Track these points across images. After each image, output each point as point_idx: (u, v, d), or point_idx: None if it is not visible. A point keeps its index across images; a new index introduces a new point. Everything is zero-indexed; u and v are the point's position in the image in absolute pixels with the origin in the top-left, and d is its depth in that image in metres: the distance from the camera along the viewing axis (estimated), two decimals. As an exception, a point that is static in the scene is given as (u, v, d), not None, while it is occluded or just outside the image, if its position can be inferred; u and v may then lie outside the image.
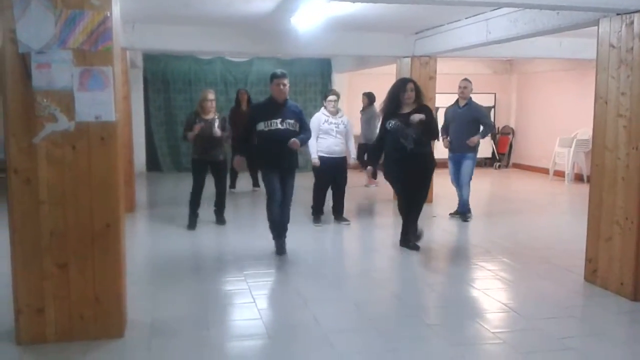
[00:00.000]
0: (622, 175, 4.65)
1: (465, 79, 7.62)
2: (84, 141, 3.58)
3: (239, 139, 6.37)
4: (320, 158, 7.20)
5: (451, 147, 7.60)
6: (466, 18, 7.02)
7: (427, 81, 8.49)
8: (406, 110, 5.82)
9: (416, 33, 8.36)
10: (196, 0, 6.30)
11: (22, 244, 3.58)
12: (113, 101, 3.61)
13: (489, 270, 5.59)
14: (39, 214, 3.57)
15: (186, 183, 7.27)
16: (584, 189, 6.88)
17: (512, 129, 13.70)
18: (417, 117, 5.69)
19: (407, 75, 8.19)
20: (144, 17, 7.27)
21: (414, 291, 5.17)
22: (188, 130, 6.98)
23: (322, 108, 7.49)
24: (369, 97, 10.84)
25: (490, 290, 4.96)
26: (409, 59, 8.64)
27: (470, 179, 7.63)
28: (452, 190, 7.93)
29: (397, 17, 7.04)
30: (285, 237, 5.98)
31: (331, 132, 7.26)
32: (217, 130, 6.91)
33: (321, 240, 6.96)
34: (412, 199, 5.96)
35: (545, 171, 12.16)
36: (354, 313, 4.46)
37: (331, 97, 7.42)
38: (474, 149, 7.57)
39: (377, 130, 6.44)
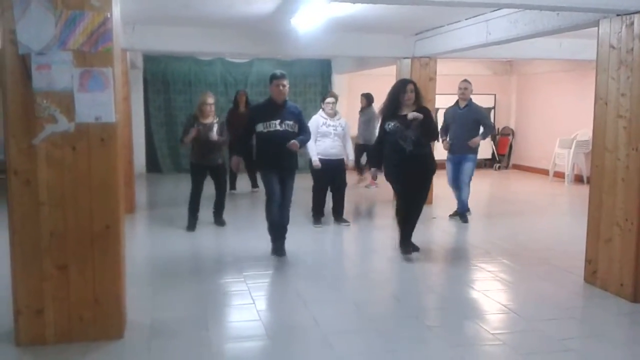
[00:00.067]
0: (622, 177, 4.65)
1: (465, 80, 7.62)
2: (84, 142, 3.58)
3: (238, 140, 6.37)
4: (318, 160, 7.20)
5: (451, 149, 7.59)
6: (466, 19, 7.03)
7: (427, 82, 8.50)
8: (405, 111, 5.80)
9: (416, 34, 8.36)
10: (196, 2, 6.30)
11: (21, 245, 3.58)
12: (113, 102, 3.61)
13: (489, 271, 5.59)
14: (39, 215, 3.57)
15: (186, 184, 7.28)
16: (584, 190, 6.87)
17: (512, 130, 13.70)
18: (412, 114, 5.68)
19: (407, 76, 8.19)
20: (144, 18, 7.27)
21: (413, 292, 5.17)
22: (186, 134, 6.99)
23: (320, 110, 7.48)
24: (368, 98, 10.84)
25: (490, 292, 4.96)
26: (409, 60, 8.65)
27: (470, 179, 7.62)
28: (452, 191, 7.92)
29: (397, 18, 7.04)
30: (284, 238, 5.97)
31: (329, 134, 7.26)
32: (213, 135, 6.89)
33: (321, 241, 6.96)
34: (411, 201, 5.94)
35: (545, 172, 12.16)
36: (353, 314, 4.46)
37: (329, 99, 7.42)
38: (475, 150, 7.58)
39: (376, 132, 6.42)
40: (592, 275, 5.03)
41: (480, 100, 8.88)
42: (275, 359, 3.70)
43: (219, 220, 7.36)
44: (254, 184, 9.93)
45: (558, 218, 8.55)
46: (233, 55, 11.83)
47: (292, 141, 5.72)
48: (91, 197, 3.63)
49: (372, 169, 6.39)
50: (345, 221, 7.51)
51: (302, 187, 7.23)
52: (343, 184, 7.56)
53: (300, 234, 6.76)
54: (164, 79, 12.30)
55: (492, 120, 13.21)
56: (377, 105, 8.52)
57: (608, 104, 4.76)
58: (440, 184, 7.91)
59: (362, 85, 11.62)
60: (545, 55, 8.94)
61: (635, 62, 4.47)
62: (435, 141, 7.64)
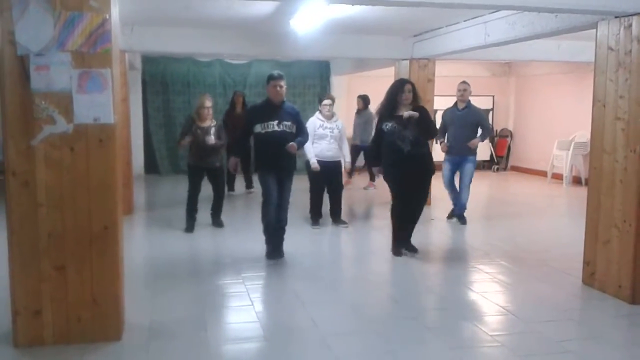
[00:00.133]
0: (620, 178, 4.65)
1: (464, 82, 7.61)
2: (82, 143, 3.58)
3: (236, 141, 6.36)
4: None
5: (450, 150, 7.57)
6: (465, 21, 7.03)
7: (425, 84, 8.50)
8: (403, 111, 5.81)
9: (415, 36, 8.37)
10: (196, 3, 6.30)
11: (19, 246, 3.58)
12: (111, 103, 3.61)
13: (487, 273, 5.59)
14: (37, 216, 3.56)
15: (184, 186, 7.27)
16: (582, 191, 6.89)
17: (510, 131, 13.71)
18: (408, 113, 5.68)
19: (405, 77, 8.19)
20: (143, 19, 7.27)
21: (412, 294, 5.17)
22: (183, 137, 7.01)
23: (317, 112, 7.47)
24: (364, 100, 10.85)
25: (488, 293, 4.96)
26: (407, 62, 8.65)
27: (471, 181, 7.63)
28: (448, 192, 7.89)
29: (396, 20, 7.05)
30: (283, 239, 5.97)
31: (326, 136, 7.26)
32: (211, 138, 6.88)
33: (319, 242, 6.95)
34: (408, 201, 5.94)
35: (543, 174, 12.18)
36: (351, 315, 4.46)
37: (326, 101, 7.41)
38: (475, 151, 7.58)
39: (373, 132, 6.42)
40: (590, 277, 5.03)
41: (479, 102, 8.88)
42: (274, 360, 3.70)
43: (217, 221, 7.36)
44: (249, 185, 9.92)
45: (556, 220, 8.56)
46: (232, 56, 11.83)
47: (291, 143, 5.70)
48: (89, 198, 3.62)
49: (375, 168, 6.38)
50: (344, 223, 7.51)
51: (300, 188, 7.23)
52: (340, 185, 7.56)
53: (299, 235, 6.76)
54: (163, 80, 12.29)
55: (490, 121, 13.26)
56: (373, 107, 8.54)
57: (606, 106, 4.77)
58: (439, 185, 7.91)
59: (360, 87, 11.63)
60: (544, 57, 8.95)
61: (634, 64, 4.48)
62: (434, 141, 7.71)
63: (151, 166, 12.37)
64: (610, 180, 4.74)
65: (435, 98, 8.84)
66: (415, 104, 5.89)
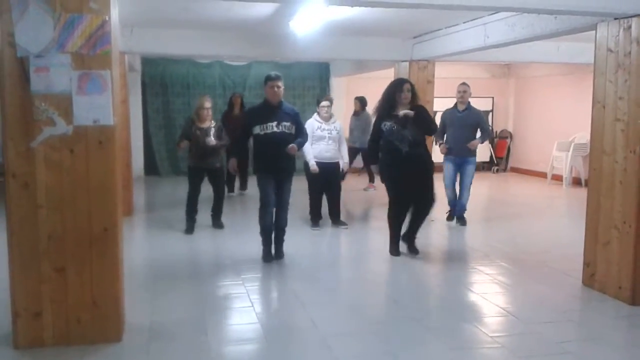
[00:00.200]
0: (619, 179, 4.65)
1: (464, 83, 7.61)
2: (82, 145, 3.58)
3: (235, 142, 6.35)
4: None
5: (450, 151, 7.54)
6: (464, 22, 7.05)
7: (425, 85, 8.51)
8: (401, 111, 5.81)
9: (414, 37, 8.38)
10: (196, 5, 6.31)
11: (19, 248, 3.58)
12: (111, 105, 3.61)
13: (487, 274, 5.59)
14: (37, 218, 3.56)
15: (184, 187, 7.27)
16: (582, 193, 6.89)
17: (510, 132, 13.72)
18: (403, 112, 5.68)
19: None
20: (143, 21, 7.28)
21: (412, 295, 5.17)
22: (182, 138, 7.02)
23: (315, 114, 7.46)
24: (361, 102, 10.86)
25: (488, 294, 4.96)
26: (407, 63, 8.66)
27: (471, 183, 7.63)
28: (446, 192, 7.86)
29: (395, 22, 7.05)
30: (283, 240, 5.97)
31: (324, 138, 7.25)
32: (211, 139, 6.89)
33: (319, 244, 6.95)
34: (408, 202, 5.93)
35: (543, 175, 12.18)
36: (351, 316, 4.45)
37: (324, 103, 7.40)
38: (475, 152, 7.58)
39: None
40: (590, 278, 5.03)
41: (478, 103, 8.89)
42: (274, 361, 3.70)
43: (217, 223, 7.36)
44: (243, 186, 9.90)
45: (556, 221, 8.56)
46: (231, 58, 11.84)
47: (291, 145, 5.70)
48: (89, 199, 3.63)
49: (373, 166, 6.37)
50: (343, 224, 7.50)
51: (299, 189, 7.23)
52: (338, 187, 7.56)
53: (298, 236, 6.76)
54: (162, 81, 12.30)
55: (490, 123, 13.29)
56: (370, 108, 8.52)
57: (606, 107, 4.77)
58: (439, 186, 7.90)
59: (360, 88, 11.63)
60: (543, 58, 8.97)
61: (633, 65, 4.48)
62: (433, 143, 7.70)
63: (151, 168, 12.38)
64: (610, 181, 4.75)
65: (435, 99, 8.85)
66: (414, 104, 5.89)
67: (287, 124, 5.76)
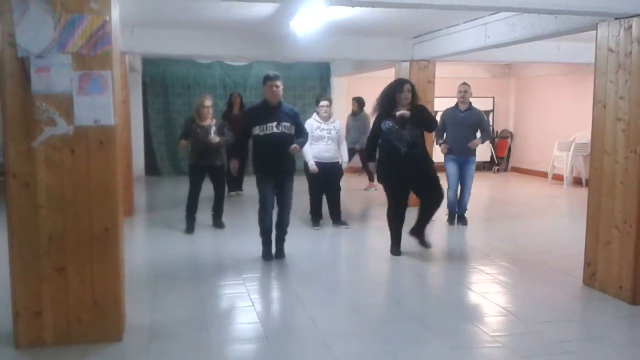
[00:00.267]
0: (620, 179, 4.65)
1: (465, 83, 7.60)
2: (83, 145, 3.59)
3: (235, 143, 6.35)
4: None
5: (452, 151, 7.52)
6: (464, 22, 7.04)
7: (425, 85, 8.51)
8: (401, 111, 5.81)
9: (415, 37, 8.38)
10: (196, 5, 6.31)
11: (20, 248, 3.58)
12: (112, 105, 3.62)
13: (488, 273, 5.59)
14: (38, 218, 3.57)
15: (185, 187, 7.28)
16: (583, 192, 6.89)
17: (510, 132, 13.72)
18: (400, 112, 5.69)
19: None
20: (143, 21, 7.28)
21: (412, 294, 5.17)
22: (183, 137, 7.05)
23: (315, 114, 7.45)
24: (359, 102, 10.86)
25: (489, 294, 4.96)
26: (407, 63, 8.66)
27: (472, 182, 7.63)
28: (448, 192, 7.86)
29: (396, 22, 7.05)
30: (284, 240, 5.97)
31: (323, 138, 7.24)
32: (214, 137, 6.91)
33: (319, 243, 6.95)
34: (424, 198, 5.96)
35: (543, 175, 12.18)
36: (352, 316, 4.46)
37: (323, 103, 7.38)
38: (475, 152, 7.58)
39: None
40: (591, 278, 5.03)
41: (479, 103, 8.88)
42: (274, 361, 3.70)
43: (218, 222, 7.36)
44: (238, 187, 9.91)
45: (557, 220, 8.56)
46: (232, 58, 11.85)
47: (294, 145, 5.71)
48: (90, 199, 3.63)
49: (371, 163, 6.37)
50: (344, 224, 7.50)
51: (300, 189, 7.23)
52: (338, 187, 7.55)
53: (299, 236, 6.76)
54: (163, 82, 12.31)
55: (491, 122, 13.32)
56: (369, 109, 8.51)
57: (606, 107, 4.77)
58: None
59: (361, 88, 11.63)
60: (544, 58, 8.96)
61: (634, 65, 4.48)
62: (434, 142, 7.70)
63: (151, 168, 12.39)
64: (611, 181, 4.75)
65: (436, 99, 8.85)
66: (415, 104, 5.89)
67: (287, 124, 5.75)
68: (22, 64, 3.47)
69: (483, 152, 12.31)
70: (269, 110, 5.77)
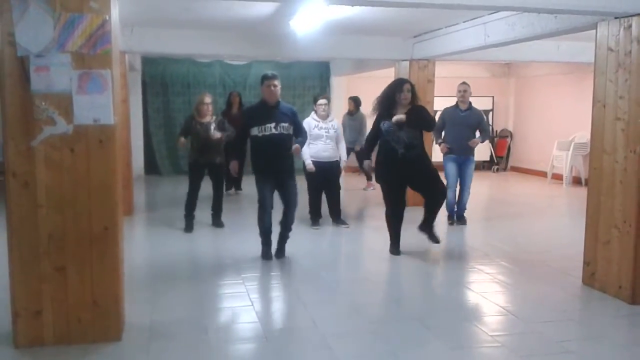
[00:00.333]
0: (620, 179, 4.65)
1: (464, 83, 7.60)
2: (83, 144, 3.58)
3: (233, 144, 6.34)
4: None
5: (451, 151, 7.51)
6: (464, 22, 7.04)
7: (425, 84, 8.51)
8: (400, 111, 5.81)
9: (414, 36, 8.37)
10: (196, 4, 6.31)
11: (19, 247, 3.58)
12: (111, 104, 3.61)
13: (487, 273, 5.59)
14: (37, 217, 3.57)
15: (184, 186, 7.28)
16: (582, 192, 6.89)
17: (510, 132, 13.72)
18: (396, 118, 5.69)
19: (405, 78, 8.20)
20: (143, 20, 7.28)
21: (412, 294, 5.17)
22: (183, 134, 7.06)
23: (313, 112, 7.44)
24: (355, 102, 10.86)
25: (488, 294, 4.96)
26: (407, 62, 8.66)
27: (471, 182, 7.63)
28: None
29: (396, 21, 7.05)
30: (287, 237, 5.96)
31: (321, 137, 7.22)
32: (215, 132, 6.93)
33: (319, 243, 6.95)
34: (427, 196, 5.97)
35: (543, 174, 12.18)
36: (352, 316, 4.45)
37: (321, 101, 7.36)
38: (474, 151, 7.58)
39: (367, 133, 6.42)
40: (590, 277, 5.03)
41: (479, 103, 8.89)
42: (274, 361, 3.70)
43: (217, 222, 7.36)
44: (237, 186, 9.91)
45: (556, 220, 8.56)
46: (232, 57, 11.84)
47: (296, 145, 5.73)
48: (90, 199, 3.63)
49: (366, 161, 6.37)
50: (344, 223, 7.50)
51: (299, 189, 7.21)
52: (338, 186, 7.54)
53: (299, 235, 6.74)
54: (163, 81, 12.31)
55: (490, 122, 13.33)
56: (363, 108, 8.49)
57: (606, 106, 4.77)
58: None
59: (360, 88, 11.62)
60: (544, 57, 8.96)
61: (634, 64, 4.48)
62: (433, 142, 7.70)
63: (151, 167, 12.38)
64: (611, 180, 4.75)
65: (435, 99, 8.85)
66: (414, 104, 5.89)
67: (285, 124, 5.74)
68: (21, 63, 3.46)
69: (482, 151, 12.32)
70: (267, 111, 5.75)
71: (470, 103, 7.52)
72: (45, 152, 3.53)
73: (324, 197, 7.52)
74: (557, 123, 11.99)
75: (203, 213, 7.36)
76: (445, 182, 7.49)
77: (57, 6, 3.46)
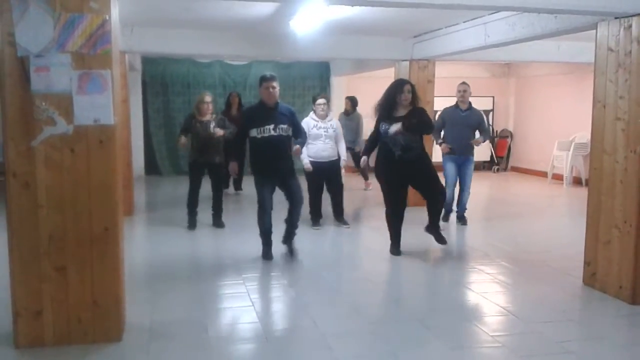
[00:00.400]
0: (620, 179, 4.65)
1: (464, 83, 7.59)
2: (83, 144, 3.58)
3: (233, 145, 6.35)
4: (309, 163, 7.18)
5: (452, 151, 7.50)
6: (464, 22, 7.03)
7: (425, 84, 8.51)
8: (401, 112, 5.81)
9: (414, 37, 8.37)
10: (196, 4, 6.30)
11: (20, 248, 3.58)
12: (112, 104, 3.61)
13: (488, 273, 5.59)
14: (38, 218, 3.57)
15: (185, 186, 7.29)
16: (583, 192, 6.88)
17: (510, 132, 13.71)
18: (394, 129, 5.70)
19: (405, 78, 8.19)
20: (143, 20, 7.28)
21: (412, 294, 5.17)
22: (183, 132, 7.08)
23: (312, 112, 7.42)
24: (352, 102, 10.86)
25: (488, 294, 4.96)
26: (407, 63, 8.65)
27: (470, 181, 7.63)
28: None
29: (396, 21, 7.05)
30: (294, 234, 5.98)
31: (320, 136, 7.20)
32: (217, 130, 6.96)
33: (320, 243, 6.95)
34: (426, 197, 5.98)
35: (543, 174, 12.17)
36: (352, 316, 4.45)
37: (320, 101, 7.35)
38: (473, 151, 7.58)
39: (362, 134, 6.43)
40: (591, 278, 5.03)
41: (479, 103, 8.89)
42: (274, 361, 3.70)
43: (217, 222, 7.36)
44: (237, 186, 9.89)
45: (557, 220, 8.56)
46: (232, 57, 11.84)
47: (296, 146, 5.75)
48: (90, 199, 3.63)
49: (363, 158, 6.37)
50: (346, 223, 7.50)
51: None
52: (339, 185, 7.54)
53: (299, 236, 6.73)
54: (163, 81, 12.31)
55: (490, 122, 13.33)
56: (362, 108, 8.46)
57: (606, 106, 4.77)
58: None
59: (360, 88, 11.63)
60: (544, 57, 8.96)
61: (634, 64, 4.48)
62: (434, 142, 7.69)
63: (151, 167, 12.38)
64: (611, 180, 4.75)
65: (435, 99, 8.85)
66: (414, 105, 5.89)
67: (284, 126, 5.74)
68: (21, 63, 3.46)
69: (483, 151, 12.32)
70: (266, 112, 5.74)
71: (470, 103, 7.51)
72: (46, 153, 3.53)
73: (324, 197, 7.51)
74: (557, 123, 11.99)
75: (203, 213, 7.36)
76: (443, 181, 7.54)
77: (57, 6, 3.46)
